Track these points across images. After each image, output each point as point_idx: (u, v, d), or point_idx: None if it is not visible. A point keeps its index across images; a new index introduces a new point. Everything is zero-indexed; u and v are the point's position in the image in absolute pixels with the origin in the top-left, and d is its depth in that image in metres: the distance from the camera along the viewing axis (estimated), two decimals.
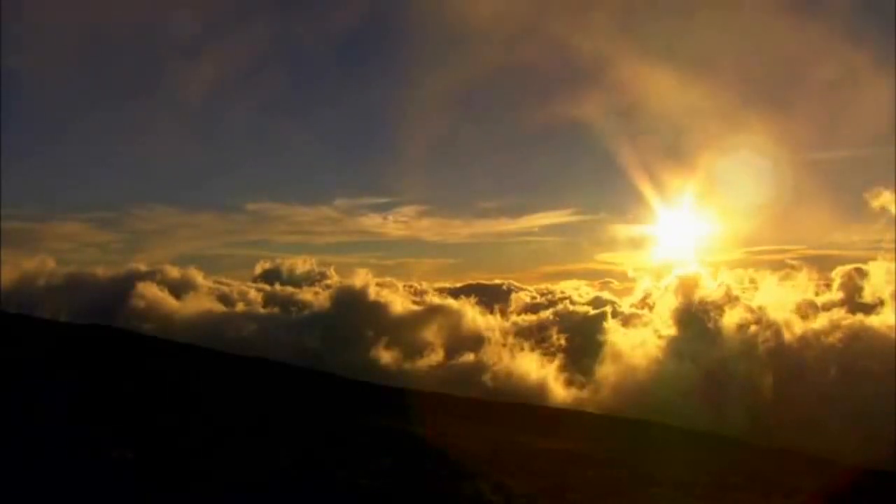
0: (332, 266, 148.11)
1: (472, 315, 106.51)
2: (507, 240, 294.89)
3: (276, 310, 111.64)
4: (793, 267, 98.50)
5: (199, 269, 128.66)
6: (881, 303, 75.40)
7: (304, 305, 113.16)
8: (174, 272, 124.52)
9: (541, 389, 73.34)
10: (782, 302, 79.78)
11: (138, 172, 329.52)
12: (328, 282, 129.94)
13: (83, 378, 13.25)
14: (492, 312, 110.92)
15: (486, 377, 78.58)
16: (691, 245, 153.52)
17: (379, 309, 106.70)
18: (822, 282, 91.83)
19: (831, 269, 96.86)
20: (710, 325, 77.79)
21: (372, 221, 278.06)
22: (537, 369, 79.60)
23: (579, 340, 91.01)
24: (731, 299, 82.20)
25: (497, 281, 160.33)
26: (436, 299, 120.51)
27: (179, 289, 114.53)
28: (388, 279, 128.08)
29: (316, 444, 10.46)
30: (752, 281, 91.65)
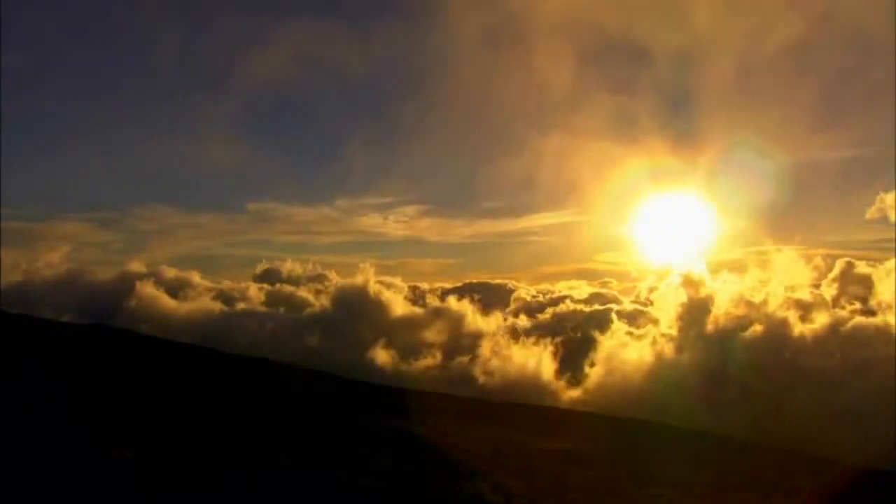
0: (333, 266, 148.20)
1: (472, 315, 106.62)
2: (507, 240, 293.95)
3: (276, 309, 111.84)
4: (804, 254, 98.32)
5: (198, 270, 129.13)
6: (884, 304, 75.43)
7: (304, 305, 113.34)
8: (173, 272, 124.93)
9: (540, 389, 73.36)
10: (784, 297, 79.74)
11: (138, 172, 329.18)
12: (328, 282, 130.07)
13: (83, 378, 13.24)
14: (492, 312, 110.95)
15: (486, 377, 78.67)
16: (692, 245, 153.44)
17: (379, 309, 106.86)
18: (821, 281, 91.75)
19: (831, 269, 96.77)
20: (711, 324, 77.84)
21: (372, 221, 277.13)
22: (537, 369, 79.67)
23: (579, 340, 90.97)
24: (731, 299, 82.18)
25: (497, 281, 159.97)
26: (436, 299, 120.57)
27: (178, 289, 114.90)
28: (388, 279, 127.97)
29: (316, 444, 10.46)
30: (763, 260, 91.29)
